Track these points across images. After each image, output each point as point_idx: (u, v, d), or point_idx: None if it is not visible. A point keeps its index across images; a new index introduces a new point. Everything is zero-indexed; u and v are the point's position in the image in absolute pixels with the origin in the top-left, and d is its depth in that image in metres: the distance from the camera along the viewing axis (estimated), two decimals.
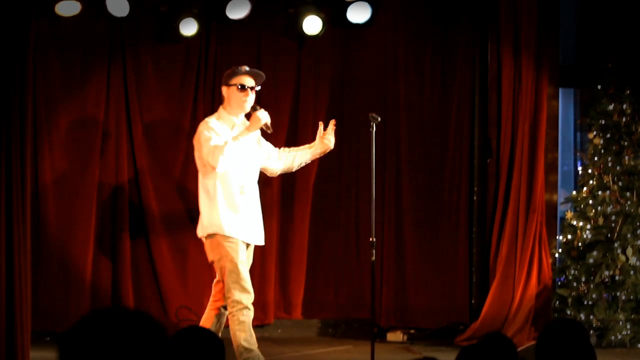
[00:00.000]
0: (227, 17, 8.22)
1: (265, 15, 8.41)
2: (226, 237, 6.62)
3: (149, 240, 8.33)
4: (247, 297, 6.59)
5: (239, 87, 6.72)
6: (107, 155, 8.27)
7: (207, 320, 6.78)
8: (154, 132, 8.37)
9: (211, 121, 6.77)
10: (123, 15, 7.98)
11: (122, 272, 8.25)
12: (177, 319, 8.13)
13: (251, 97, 6.76)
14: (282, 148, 7.14)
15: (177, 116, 8.42)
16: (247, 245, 6.75)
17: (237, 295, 6.56)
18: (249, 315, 6.59)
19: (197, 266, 8.40)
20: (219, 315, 6.76)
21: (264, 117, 6.69)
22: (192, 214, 8.44)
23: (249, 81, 6.77)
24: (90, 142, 8.22)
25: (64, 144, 8.20)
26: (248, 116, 6.86)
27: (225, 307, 6.70)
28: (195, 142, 6.79)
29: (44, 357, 6.80)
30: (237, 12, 8.20)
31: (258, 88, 6.85)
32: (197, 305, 8.34)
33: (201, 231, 6.76)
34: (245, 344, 6.54)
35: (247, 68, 6.83)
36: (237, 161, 6.67)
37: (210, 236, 6.69)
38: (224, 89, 6.80)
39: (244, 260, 6.66)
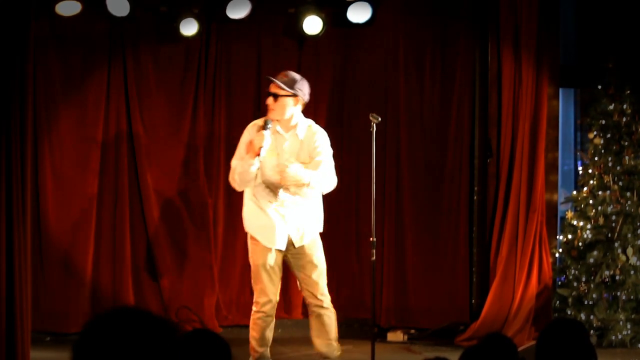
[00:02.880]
0: (227, 17, 8.22)
1: (265, 15, 8.41)
2: (252, 237, 6.67)
3: (149, 240, 8.33)
4: (265, 302, 6.59)
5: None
6: (107, 155, 8.26)
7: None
8: (154, 132, 8.37)
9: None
10: (123, 15, 7.98)
11: (122, 272, 8.25)
12: (177, 319, 8.12)
13: (272, 105, 6.68)
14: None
15: (177, 116, 8.42)
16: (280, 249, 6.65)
17: (255, 296, 6.66)
18: (263, 319, 6.61)
19: (197, 266, 8.40)
20: (314, 317, 6.78)
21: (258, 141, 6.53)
22: (193, 214, 8.45)
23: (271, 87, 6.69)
24: (91, 142, 8.22)
25: (64, 144, 8.20)
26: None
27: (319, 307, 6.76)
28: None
29: (44, 357, 6.80)
30: (237, 12, 8.20)
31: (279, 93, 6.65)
32: (197, 305, 8.34)
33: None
34: (253, 342, 6.68)
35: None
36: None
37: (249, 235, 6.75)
38: None
39: (265, 263, 6.56)
